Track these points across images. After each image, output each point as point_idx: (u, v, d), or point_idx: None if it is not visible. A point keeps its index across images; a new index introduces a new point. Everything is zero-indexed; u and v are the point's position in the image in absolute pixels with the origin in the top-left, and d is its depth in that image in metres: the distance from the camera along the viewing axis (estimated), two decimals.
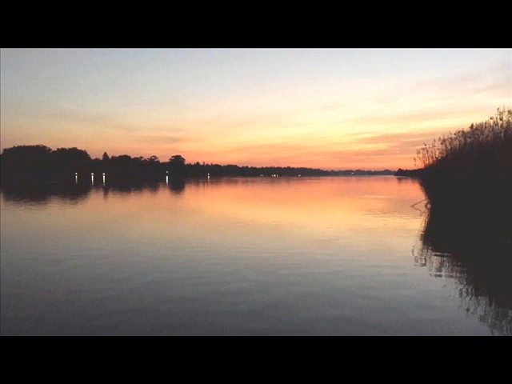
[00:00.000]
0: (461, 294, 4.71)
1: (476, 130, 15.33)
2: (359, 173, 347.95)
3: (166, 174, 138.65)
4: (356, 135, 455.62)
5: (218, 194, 31.98)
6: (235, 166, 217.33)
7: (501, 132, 14.40)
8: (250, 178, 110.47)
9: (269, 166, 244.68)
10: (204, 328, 3.66)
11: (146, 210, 16.69)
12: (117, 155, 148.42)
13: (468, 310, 4.18)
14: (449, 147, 16.00)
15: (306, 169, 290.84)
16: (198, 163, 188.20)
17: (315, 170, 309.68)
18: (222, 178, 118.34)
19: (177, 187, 43.47)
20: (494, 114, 14.61)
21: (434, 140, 16.43)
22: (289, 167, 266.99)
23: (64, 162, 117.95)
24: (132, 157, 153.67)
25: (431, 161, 16.54)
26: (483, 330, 3.65)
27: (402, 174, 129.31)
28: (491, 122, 14.77)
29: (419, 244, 8.36)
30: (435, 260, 6.58)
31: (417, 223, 11.60)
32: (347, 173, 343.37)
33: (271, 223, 11.31)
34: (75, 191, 32.53)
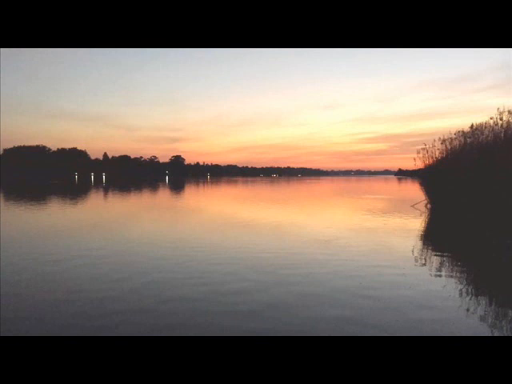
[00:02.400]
0: (461, 294, 4.71)
1: (476, 130, 15.32)
2: (359, 173, 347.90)
3: (166, 174, 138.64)
4: (356, 135, 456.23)
5: (218, 194, 31.97)
6: (235, 166, 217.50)
7: (501, 132, 14.40)
8: (250, 178, 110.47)
9: (269, 165, 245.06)
10: (204, 328, 3.66)
11: (145, 210, 16.69)
12: (117, 155, 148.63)
13: (468, 310, 4.18)
14: (449, 147, 16.01)
15: (306, 169, 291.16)
16: (197, 163, 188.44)
17: (315, 169, 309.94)
18: (222, 177, 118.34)
19: (177, 187, 43.47)
20: (494, 114, 14.64)
21: (434, 140, 16.46)
22: (289, 167, 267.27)
23: (64, 161, 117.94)
24: (132, 157, 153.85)
25: (431, 161, 16.55)
26: (483, 330, 3.65)
27: (401, 174, 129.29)
28: (491, 122, 14.79)
29: (419, 244, 8.36)
30: (435, 260, 6.58)
31: (417, 223, 11.60)
32: (347, 173, 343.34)
33: (271, 223, 11.31)
34: (75, 191, 32.52)
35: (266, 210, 15.95)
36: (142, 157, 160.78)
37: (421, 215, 13.71)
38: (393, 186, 51.58)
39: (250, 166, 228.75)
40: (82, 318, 3.87)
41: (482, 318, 3.94)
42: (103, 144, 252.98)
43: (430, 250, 7.75)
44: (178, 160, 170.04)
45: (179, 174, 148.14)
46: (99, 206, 18.52)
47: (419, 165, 16.99)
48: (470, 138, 15.43)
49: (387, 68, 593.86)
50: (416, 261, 6.52)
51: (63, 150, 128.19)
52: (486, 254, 7.34)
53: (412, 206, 16.95)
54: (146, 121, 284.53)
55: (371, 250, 7.29)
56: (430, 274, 5.64)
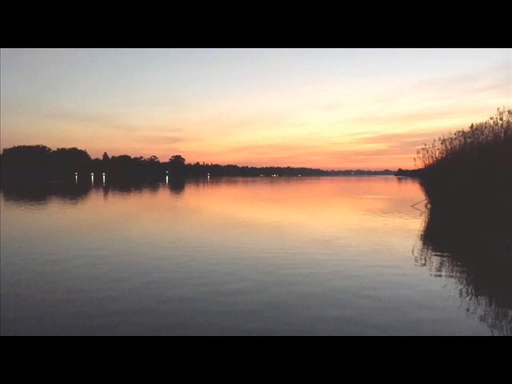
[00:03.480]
0: (461, 294, 4.71)
1: (476, 130, 15.33)
2: (359, 173, 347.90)
3: (166, 174, 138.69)
4: (356, 135, 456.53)
5: (218, 194, 31.97)
6: (235, 166, 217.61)
7: (501, 132, 14.40)
8: (249, 178, 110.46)
9: (269, 166, 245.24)
10: (204, 328, 3.66)
11: (145, 210, 16.69)
12: (117, 155, 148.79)
13: (468, 310, 4.18)
14: (449, 147, 16.02)
15: (306, 169, 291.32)
16: (198, 163, 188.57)
17: (315, 169, 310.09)
18: (222, 177, 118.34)
19: (177, 187, 43.46)
20: (494, 114, 14.64)
21: (434, 140, 16.47)
22: (289, 167, 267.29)
23: (64, 161, 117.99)
24: (132, 157, 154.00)
25: (431, 161, 16.56)
26: (483, 330, 3.65)
27: (401, 174, 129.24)
28: (491, 122, 14.80)
29: (419, 244, 8.36)
30: (435, 260, 6.58)
31: (417, 223, 11.60)
32: (347, 173, 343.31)
33: (271, 223, 11.31)
34: (75, 191, 32.52)
35: (266, 210, 15.95)
36: (142, 157, 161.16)
37: (421, 215, 13.71)
38: (393, 186, 51.57)
39: (250, 166, 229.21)
40: (81, 318, 3.87)
41: (482, 318, 3.94)
42: (103, 144, 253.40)
43: (430, 250, 7.75)
44: (178, 160, 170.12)
45: (179, 174, 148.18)
46: (99, 206, 18.52)
47: (419, 165, 17.02)
48: (470, 138, 15.43)
49: (387, 68, 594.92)
50: (416, 261, 6.52)
51: (63, 150, 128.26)
52: (486, 254, 7.33)
53: (412, 206, 16.95)
54: (145, 121, 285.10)
55: (371, 250, 7.29)
56: (430, 274, 5.64)
